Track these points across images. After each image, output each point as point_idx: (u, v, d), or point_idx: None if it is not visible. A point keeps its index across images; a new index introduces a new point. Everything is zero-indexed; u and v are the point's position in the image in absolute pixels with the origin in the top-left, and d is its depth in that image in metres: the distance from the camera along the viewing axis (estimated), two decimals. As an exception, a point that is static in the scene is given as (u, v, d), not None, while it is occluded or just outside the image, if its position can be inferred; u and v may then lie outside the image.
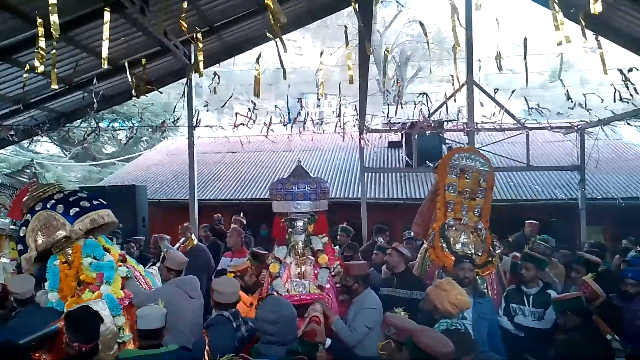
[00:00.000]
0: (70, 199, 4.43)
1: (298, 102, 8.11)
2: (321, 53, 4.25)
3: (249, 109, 7.62)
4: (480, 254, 5.36)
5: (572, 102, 8.14)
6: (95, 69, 9.08)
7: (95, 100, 8.06)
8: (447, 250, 5.33)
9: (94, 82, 7.97)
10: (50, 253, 4.40)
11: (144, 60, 7.15)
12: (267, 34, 4.17)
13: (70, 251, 4.36)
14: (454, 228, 5.50)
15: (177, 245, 6.93)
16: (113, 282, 4.29)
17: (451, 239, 5.42)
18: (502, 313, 5.04)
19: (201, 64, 4.40)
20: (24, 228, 4.43)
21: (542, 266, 5.06)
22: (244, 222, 8.93)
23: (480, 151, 6.41)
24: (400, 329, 2.95)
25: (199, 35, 4.58)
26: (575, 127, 9.14)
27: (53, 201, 4.40)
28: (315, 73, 4.88)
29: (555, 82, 10.81)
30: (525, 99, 8.32)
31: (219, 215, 9.60)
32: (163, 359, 3.30)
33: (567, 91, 7.42)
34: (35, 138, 17.06)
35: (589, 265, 5.27)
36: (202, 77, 4.55)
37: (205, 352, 3.46)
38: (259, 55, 4.61)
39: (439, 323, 3.42)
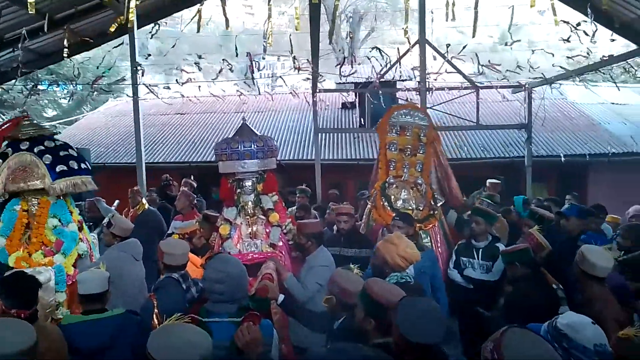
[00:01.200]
0: (61, 154, 4.13)
1: (247, 56, 7.77)
2: (269, 1, 4.02)
3: (196, 64, 7.25)
4: (421, 209, 5.51)
5: (519, 67, 8.28)
6: (28, 23, 8.43)
7: (20, 59, 7.40)
8: (388, 208, 5.41)
9: (23, 39, 7.30)
10: (12, 196, 4.12)
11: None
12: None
13: (35, 202, 4.08)
14: (394, 186, 5.63)
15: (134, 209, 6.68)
16: (69, 256, 4.10)
17: (392, 197, 5.53)
18: (452, 266, 5.20)
19: (134, 17, 4.04)
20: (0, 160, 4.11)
21: (491, 221, 5.18)
22: (194, 184, 8.71)
23: (418, 106, 6.48)
24: (342, 288, 2.96)
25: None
26: (523, 86, 9.31)
27: (42, 147, 4.07)
28: (264, 24, 4.65)
29: (502, 44, 10.97)
30: (477, 55, 8.35)
31: (167, 175, 9.29)
32: (108, 323, 3.18)
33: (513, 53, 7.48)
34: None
35: (542, 221, 5.45)
36: (133, 30, 4.17)
37: (154, 315, 3.36)
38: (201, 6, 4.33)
39: (389, 277, 3.43)
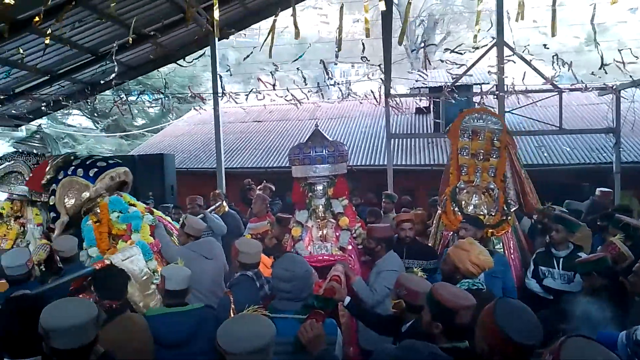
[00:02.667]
0: (87, 162, 4.72)
1: (320, 62, 7.91)
2: (341, 7, 4.10)
3: (271, 73, 7.49)
4: (493, 214, 5.32)
5: (604, 69, 7.78)
6: (120, 37, 9.13)
7: (115, 69, 8.06)
8: (458, 213, 5.29)
9: (112, 52, 7.95)
10: (80, 215, 4.64)
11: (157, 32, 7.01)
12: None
13: (98, 210, 4.58)
14: (465, 191, 5.49)
15: (211, 208, 7.04)
16: (141, 229, 4.57)
17: (462, 202, 5.39)
18: (530, 276, 4.98)
19: (217, 28, 4.34)
20: (53, 197, 4.74)
21: (572, 228, 4.92)
22: (273, 188, 8.94)
23: (491, 109, 6.28)
24: (410, 291, 2.93)
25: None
26: (610, 88, 8.76)
27: (72, 167, 4.69)
28: (336, 30, 4.74)
29: (590, 45, 10.35)
30: (557, 56, 7.94)
31: (249, 180, 9.62)
32: (188, 316, 3.38)
33: (600, 51, 7.05)
34: (66, 111, 17.53)
35: (628, 228, 5.10)
36: (219, 40, 4.47)
37: (231, 310, 3.52)
38: (277, 15, 4.51)
39: (459, 283, 3.37)
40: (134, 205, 4.79)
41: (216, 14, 4.10)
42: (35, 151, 5.76)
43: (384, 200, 7.87)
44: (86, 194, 4.55)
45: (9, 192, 5.55)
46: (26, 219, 5.53)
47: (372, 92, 9.05)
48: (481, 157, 5.65)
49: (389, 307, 3.80)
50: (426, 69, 9.09)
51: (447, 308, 2.50)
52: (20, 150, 5.75)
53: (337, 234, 4.80)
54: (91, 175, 4.60)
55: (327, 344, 2.48)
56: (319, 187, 4.87)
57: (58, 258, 4.57)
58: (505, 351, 2.07)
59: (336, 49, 4.60)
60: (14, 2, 4.10)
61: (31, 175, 5.20)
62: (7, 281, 4.07)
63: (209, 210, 6.71)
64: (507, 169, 5.78)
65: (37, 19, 4.71)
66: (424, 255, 4.86)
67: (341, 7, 3.73)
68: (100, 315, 2.30)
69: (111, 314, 3.11)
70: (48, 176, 4.83)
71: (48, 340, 2.11)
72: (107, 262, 4.02)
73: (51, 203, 4.75)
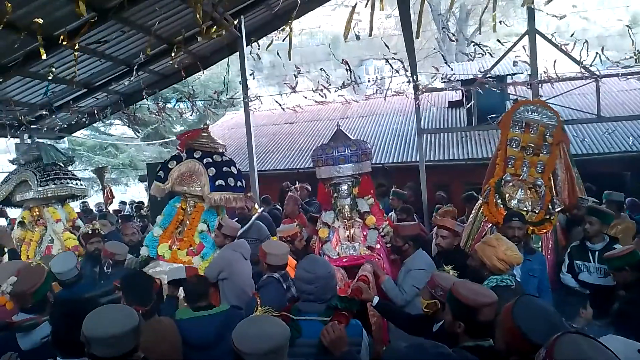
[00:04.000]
0: (223, 169, 4.83)
1: (342, 62, 7.86)
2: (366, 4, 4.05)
3: (295, 76, 7.55)
4: (537, 212, 5.15)
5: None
6: (152, 48, 9.37)
7: (141, 83, 8.25)
8: (501, 206, 5.15)
9: (138, 60, 8.17)
10: (174, 194, 4.84)
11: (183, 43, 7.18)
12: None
13: (193, 204, 4.71)
14: (510, 184, 5.30)
15: (256, 215, 7.14)
16: (206, 260, 4.71)
17: (507, 195, 5.23)
18: (565, 270, 4.87)
19: (244, 37, 4.41)
20: (174, 162, 4.86)
21: (607, 220, 4.76)
22: (309, 188, 8.99)
23: (548, 104, 6.03)
24: (447, 291, 2.80)
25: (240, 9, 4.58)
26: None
27: (210, 160, 4.77)
28: (353, 27, 4.72)
29: (634, 28, 9.90)
30: (587, 42, 7.61)
31: (288, 182, 9.71)
32: (215, 319, 3.47)
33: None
34: (108, 121, 18.14)
35: None
36: (247, 45, 4.57)
37: (258, 312, 3.58)
38: (293, 18, 4.54)
39: (487, 280, 3.32)
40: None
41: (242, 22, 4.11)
42: (35, 157, 5.92)
43: (391, 197, 7.78)
44: (197, 190, 4.68)
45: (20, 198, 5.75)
46: (45, 219, 5.76)
47: (397, 92, 8.94)
48: (530, 151, 5.48)
49: (418, 306, 3.79)
50: (474, 55, 8.70)
51: (468, 306, 2.47)
52: (25, 162, 5.93)
53: (365, 233, 4.79)
54: (216, 184, 4.72)
55: (350, 345, 2.49)
56: (344, 187, 4.88)
57: (109, 261, 4.71)
58: (522, 350, 2.05)
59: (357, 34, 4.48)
60: (44, 20, 4.26)
61: (184, 134, 5.28)
62: (59, 283, 4.23)
63: (252, 218, 6.80)
64: (559, 167, 5.56)
65: (62, 37, 4.82)
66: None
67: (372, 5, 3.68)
68: (141, 323, 2.34)
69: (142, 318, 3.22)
70: (188, 145, 4.92)
71: (89, 347, 2.17)
72: (158, 281, 4.12)
73: (169, 166, 4.85)
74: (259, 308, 3.59)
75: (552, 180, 5.53)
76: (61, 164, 5.98)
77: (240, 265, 4.49)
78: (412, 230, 4.48)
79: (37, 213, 5.77)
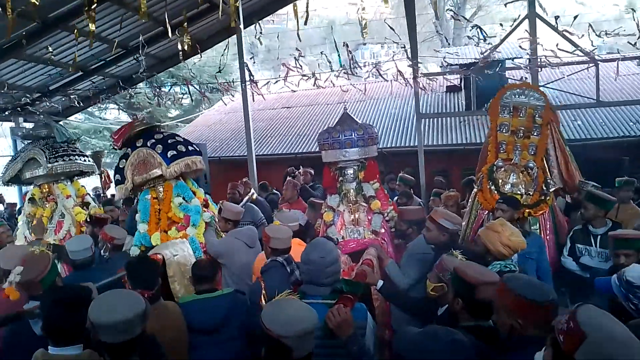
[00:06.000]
0: (169, 141, 4.72)
1: (344, 46, 7.83)
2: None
3: (295, 59, 7.48)
4: (531, 194, 5.16)
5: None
6: (149, 30, 9.27)
7: (143, 63, 8.19)
8: (495, 192, 5.16)
9: (140, 47, 8.10)
10: (141, 188, 4.76)
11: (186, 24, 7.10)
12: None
13: (161, 189, 4.70)
14: (502, 169, 5.31)
15: (245, 199, 7.14)
16: (198, 226, 4.64)
17: (499, 180, 5.24)
18: (566, 254, 4.88)
19: (240, 18, 4.34)
20: (124, 160, 4.77)
21: (604, 206, 4.75)
22: (312, 172, 8.97)
23: (533, 85, 6.01)
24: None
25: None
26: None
27: (153, 140, 4.71)
28: (357, 12, 4.68)
29: (630, 13, 9.84)
30: (591, 26, 7.58)
31: (293, 167, 9.68)
32: (219, 301, 3.49)
33: (636, 19, 6.68)
34: (103, 105, 17.99)
35: None
36: (244, 28, 4.48)
37: (262, 296, 3.58)
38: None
39: (491, 266, 3.32)
40: (194, 192, 4.85)
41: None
42: (40, 134, 5.92)
43: (397, 183, 7.76)
44: (157, 172, 4.57)
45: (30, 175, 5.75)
46: (55, 195, 5.79)
47: (399, 72, 8.88)
48: (521, 134, 5.45)
49: (421, 290, 3.80)
50: (477, 39, 8.60)
51: (467, 283, 2.53)
52: (34, 139, 5.93)
53: (370, 217, 4.79)
54: (169, 156, 4.60)
55: (355, 329, 2.49)
56: (350, 171, 4.85)
57: (108, 245, 4.71)
58: (523, 314, 2.12)
59: (362, 33, 4.53)
60: (39, 3, 4.15)
61: (117, 131, 5.22)
62: (72, 266, 4.27)
63: (243, 202, 6.82)
64: (550, 147, 5.54)
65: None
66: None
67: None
68: (148, 308, 2.32)
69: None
70: (127, 137, 4.81)
71: (96, 334, 2.16)
72: (160, 256, 4.13)
73: (120, 166, 4.79)
74: (264, 292, 3.63)
75: (545, 161, 5.55)
76: (70, 142, 5.97)
77: (240, 253, 4.50)
78: (416, 215, 4.50)
79: (47, 189, 5.79)
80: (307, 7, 4.06)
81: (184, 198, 4.69)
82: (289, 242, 3.96)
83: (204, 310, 3.45)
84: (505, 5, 5.25)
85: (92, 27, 3.83)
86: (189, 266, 4.30)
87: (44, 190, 5.78)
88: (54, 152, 5.64)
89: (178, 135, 4.97)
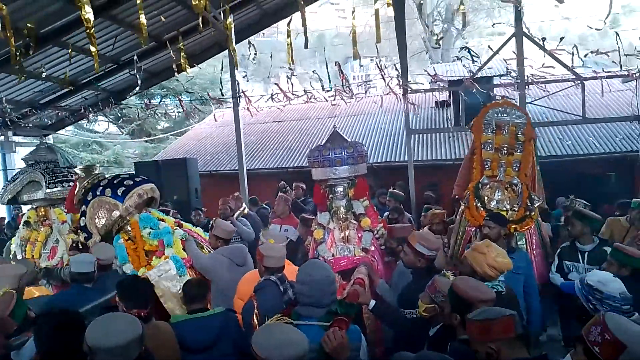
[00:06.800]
0: (115, 182, 4.89)
1: (335, 65, 7.95)
2: (353, 11, 4.15)
3: (287, 76, 7.58)
4: (516, 210, 5.27)
5: (625, 55, 7.57)
6: (140, 46, 9.31)
7: (138, 77, 8.25)
8: (481, 209, 5.27)
9: (135, 60, 8.16)
10: (111, 234, 4.81)
11: (180, 38, 7.20)
12: (299, -1, 4.11)
13: (129, 228, 4.76)
14: (487, 186, 5.43)
15: (237, 214, 7.16)
16: (173, 244, 4.70)
17: (485, 197, 5.36)
18: (554, 270, 4.95)
19: (233, 37, 4.42)
20: (83, 218, 4.92)
21: (591, 224, 4.84)
22: (304, 187, 8.99)
23: (524, 106, 6.16)
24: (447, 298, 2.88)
25: (230, 7, 4.60)
26: (633, 75, 8.53)
27: (100, 187, 4.87)
28: (349, 34, 4.77)
29: (615, 28, 10.08)
30: (576, 47, 7.78)
31: (283, 182, 9.70)
32: (211, 321, 3.52)
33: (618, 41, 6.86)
34: (92, 117, 17.93)
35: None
36: (234, 51, 4.55)
37: (255, 315, 3.60)
38: (289, 21, 4.57)
39: (479, 286, 3.37)
40: (163, 220, 4.94)
41: (231, 26, 4.15)
42: (46, 159, 5.98)
43: (387, 198, 7.81)
44: (116, 213, 4.71)
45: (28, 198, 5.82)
46: (51, 220, 5.81)
47: (389, 87, 9.00)
48: (505, 151, 5.59)
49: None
50: (441, 62, 8.87)
51: (464, 300, 2.61)
52: (33, 161, 5.98)
53: (360, 235, 4.80)
54: (119, 194, 4.75)
55: (351, 350, 2.53)
56: (340, 189, 4.88)
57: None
58: (488, 337, 2.24)
59: (353, 53, 4.62)
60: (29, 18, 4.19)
61: (65, 202, 5.44)
62: (70, 280, 4.29)
63: (234, 216, 6.85)
64: (530, 163, 5.72)
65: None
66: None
67: (352, 11, 3.74)
68: (144, 331, 2.33)
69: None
70: (77, 198, 5.01)
71: (93, 357, 2.16)
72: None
73: (82, 224, 4.92)
74: (256, 311, 3.65)
75: (529, 177, 5.71)
76: (70, 167, 6.07)
77: (226, 272, 4.53)
78: (405, 232, 4.52)
79: (43, 213, 5.83)
80: (305, 29, 4.11)
81: (151, 227, 4.80)
82: (283, 261, 3.98)
83: (196, 329, 3.47)
84: (493, 25, 5.36)
85: (93, 48, 3.86)
86: (175, 282, 4.35)
87: (40, 214, 5.81)
88: (54, 177, 5.73)
89: (122, 174, 5.21)
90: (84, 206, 4.91)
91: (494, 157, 5.62)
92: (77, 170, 6.25)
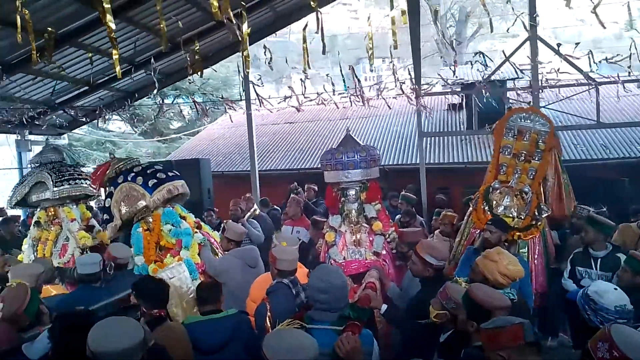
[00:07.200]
0: (148, 172, 4.85)
1: (349, 69, 7.98)
2: (368, 17, 4.17)
3: (301, 80, 7.62)
4: (522, 217, 5.29)
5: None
6: (155, 47, 9.41)
7: (155, 79, 8.33)
8: (488, 212, 5.28)
9: (152, 61, 8.25)
10: (132, 221, 4.85)
11: (196, 40, 7.27)
12: (311, 2, 4.13)
13: (150, 219, 4.80)
14: (498, 191, 5.46)
15: (247, 215, 7.20)
16: (191, 248, 4.74)
17: (494, 202, 5.38)
18: (567, 276, 4.94)
19: (247, 39, 4.45)
20: (109, 199, 4.91)
21: (604, 230, 4.83)
22: (316, 189, 9.02)
23: (542, 111, 6.13)
24: (459, 305, 2.89)
25: (246, 10, 4.64)
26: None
27: (133, 174, 4.83)
28: (364, 39, 4.79)
29: (631, 31, 9.97)
30: (591, 53, 7.71)
31: (295, 183, 9.73)
32: (224, 322, 3.55)
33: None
34: (106, 117, 18.13)
35: None
36: (246, 54, 4.57)
37: (267, 318, 3.63)
38: (305, 26, 4.60)
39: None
40: (184, 217, 4.95)
41: (245, 26, 4.18)
42: (52, 160, 5.99)
43: (400, 201, 7.80)
44: (142, 203, 4.70)
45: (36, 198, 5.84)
46: (61, 219, 5.84)
47: (402, 89, 9.00)
48: (522, 158, 5.59)
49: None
50: (456, 66, 8.84)
51: (481, 307, 2.63)
52: (40, 163, 6.00)
53: (371, 238, 4.84)
54: (150, 185, 4.74)
55: (364, 355, 2.55)
56: (352, 192, 4.92)
57: (112, 264, 4.76)
58: (500, 345, 2.25)
59: (369, 60, 4.64)
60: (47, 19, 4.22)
61: (92, 175, 5.40)
62: (77, 281, 4.33)
63: (245, 217, 6.89)
64: (550, 174, 5.66)
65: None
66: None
67: (368, 18, 3.75)
68: (147, 336, 2.35)
69: (154, 325, 3.23)
70: (108, 177, 4.98)
71: None
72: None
73: (106, 205, 4.92)
74: (269, 314, 3.68)
75: (542, 186, 5.66)
76: (76, 165, 6.11)
77: (238, 272, 4.56)
78: (416, 237, 4.56)
79: (53, 213, 5.85)
80: (322, 34, 4.12)
81: (172, 224, 4.80)
82: (295, 264, 4.01)
83: (209, 331, 3.50)
84: (508, 30, 5.35)
85: (115, 53, 3.91)
86: (185, 289, 4.37)
87: (50, 214, 5.83)
88: (60, 176, 5.72)
89: (157, 164, 5.18)
90: (112, 187, 4.89)
91: (510, 163, 5.63)
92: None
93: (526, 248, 5.27)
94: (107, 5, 2.86)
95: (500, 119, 5.87)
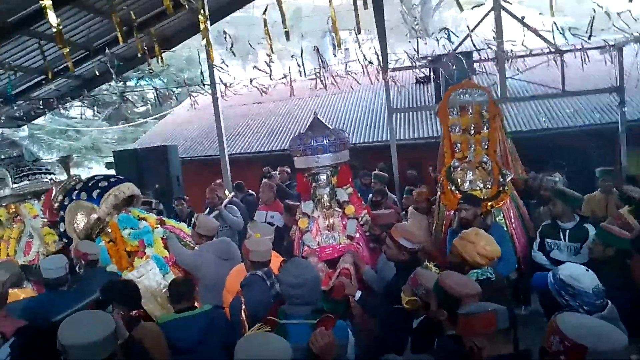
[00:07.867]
0: (90, 184, 4.84)
1: (314, 50, 7.84)
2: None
3: (265, 62, 7.44)
4: (489, 187, 5.44)
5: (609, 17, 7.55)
6: (112, 31, 9.04)
7: (111, 67, 8.03)
8: (456, 192, 5.39)
9: (106, 50, 7.95)
10: (92, 237, 4.76)
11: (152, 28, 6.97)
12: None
13: (109, 230, 4.69)
14: (459, 169, 5.61)
15: (224, 202, 7.06)
16: (155, 244, 4.67)
17: (458, 180, 5.52)
18: (536, 248, 5.06)
19: (207, 23, 4.29)
20: (62, 224, 4.86)
21: (571, 203, 4.93)
22: (289, 171, 8.91)
23: (474, 82, 6.33)
24: (429, 292, 2.87)
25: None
26: (611, 47, 8.51)
27: (76, 191, 4.77)
28: (327, 19, 4.68)
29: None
30: (555, 24, 7.73)
31: (268, 167, 9.57)
32: (199, 318, 3.51)
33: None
34: (66, 104, 17.53)
35: (630, 201, 5.08)
36: (205, 39, 4.41)
37: (243, 311, 3.59)
38: (265, 9, 4.45)
39: (469, 274, 3.38)
40: (144, 219, 4.87)
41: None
42: (10, 155, 5.87)
43: (372, 181, 7.79)
44: (94, 216, 4.67)
45: None
46: (23, 216, 5.70)
47: (369, 62, 8.85)
48: (472, 131, 5.75)
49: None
50: (421, 39, 8.75)
51: (451, 296, 2.60)
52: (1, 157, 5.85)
53: (344, 222, 4.80)
54: (95, 197, 4.71)
55: (338, 348, 2.52)
56: (323, 177, 4.84)
57: (81, 262, 4.63)
58: (472, 331, 2.26)
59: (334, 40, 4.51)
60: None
61: (42, 209, 5.33)
62: (44, 285, 4.19)
63: (223, 204, 6.78)
64: (498, 139, 5.85)
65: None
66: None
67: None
68: (119, 328, 2.33)
69: (131, 325, 3.17)
70: (56, 204, 4.92)
71: (67, 356, 2.15)
72: None
73: (61, 230, 4.88)
74: (244, 307, 3.63)
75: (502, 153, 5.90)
76: (35, 160, 5.95)
77: (212, 268, 4.49)
78: (389, 219, 4.55)
79: (14, 210, 5.70)
80: (283, 19, 3.98)
81: (131, 228, 4.76)
82: (269, 255, 3.95)
83: (183, 328, 3.45)
84: (472, 8, 5.33)
85: (65, 50, 3.73)
86: (155, 285, 4.32)
87: (11, 211, 5.67)
88: (19, 172, 5.59)
89: (97, 175, 5.12)
90: (62, 212, 4.85)
91: (462, 139, 5.78)
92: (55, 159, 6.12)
93: (501, 215, 5.39)
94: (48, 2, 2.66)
95: (441, 101, 6.02)
